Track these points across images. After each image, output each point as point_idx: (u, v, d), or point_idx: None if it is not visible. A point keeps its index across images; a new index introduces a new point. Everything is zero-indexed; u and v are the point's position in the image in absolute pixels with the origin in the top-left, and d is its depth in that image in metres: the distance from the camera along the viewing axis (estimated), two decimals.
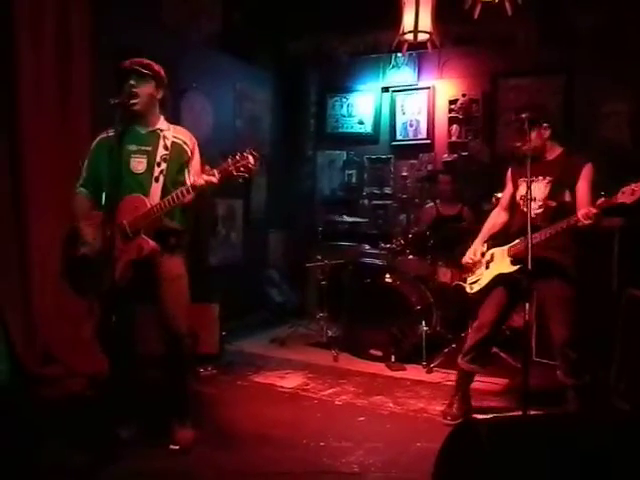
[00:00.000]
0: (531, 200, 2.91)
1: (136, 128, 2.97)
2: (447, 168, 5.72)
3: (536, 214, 3.17)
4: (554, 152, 3.29)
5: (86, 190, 3.01)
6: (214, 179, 2.79)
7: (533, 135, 3.14)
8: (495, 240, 3.50)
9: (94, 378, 3.55)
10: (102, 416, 2.66)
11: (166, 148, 2.95)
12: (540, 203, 3.22)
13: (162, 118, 3.05)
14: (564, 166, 3.21)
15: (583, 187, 3.15)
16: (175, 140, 2.99)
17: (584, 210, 2.93)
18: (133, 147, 2.92)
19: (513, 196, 3.45)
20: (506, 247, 3.32)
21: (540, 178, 3.24)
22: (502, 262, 3.32)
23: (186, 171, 2.98)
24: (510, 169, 3.54)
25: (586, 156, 3.26)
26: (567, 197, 3.17)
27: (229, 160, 2.79)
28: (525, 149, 3.19)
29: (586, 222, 2.90)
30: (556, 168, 3.22)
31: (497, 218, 3.58)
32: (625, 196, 2.76)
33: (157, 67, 2.95)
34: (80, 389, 3.59)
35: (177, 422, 3.05)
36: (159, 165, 2.92)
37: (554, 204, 3.18)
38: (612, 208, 2.86)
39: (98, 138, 3.02)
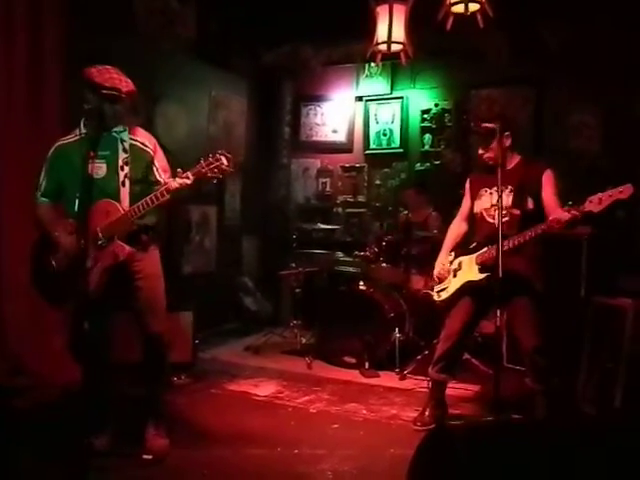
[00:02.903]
0: (501, 208, 2.91)
1: (101, 133, 2.93)
2: (419, 177, 5.80)
3: (502, 222, 3.23)
4: (513, 161, 3.34)
5: (47, 199, 2.98)
6: (188, 181, 2.82)
7: (494, 144, 3.20)
8: (459, 249, 3.52)
9: (67, 388, 3.50)
10: (75, 426, 2.63)
11: (125, 151, 2.94)
12: (504, 212, 3.22)
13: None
14: (524, 174, 3.25)
15: (549, 193, 3.19)
16: (133, 143, 2.98)
17: (555, 216, 2.94)
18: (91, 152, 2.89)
19: (472, 207, 3.47)
20: (474, 255, 3.33)
21: (503, 188, 3.25)
22: (470, 270, 3.33)
23: (154, 169, 2.99)
24: (469, 179, 3.57)
25: (544, 162, 3.31)
26: (530, 205, 3.21)
27: (202, 162, 2.81)
28: (486, 157, 3.26)
29: (557, 227, 2.93)
30: (516, 176, 3.24)
31: (458, 229, 3.61)
32: (593, 205, 2.81)
33: (125, 85, 2.87)
34: (52, 399, 3.53)
35: (151, 430, 3.03)
36: (122, 169, 2.91)
37: (518, 212, 3.22)
38: (580, 217, 2.91)
39: (55, 145, 3.00)
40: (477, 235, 3.43)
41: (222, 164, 2.80)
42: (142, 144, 3.01)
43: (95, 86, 2.81)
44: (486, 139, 3.26)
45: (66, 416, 3.10)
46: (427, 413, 3.52)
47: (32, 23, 3.81)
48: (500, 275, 2.61)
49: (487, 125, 3.21)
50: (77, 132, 2.98)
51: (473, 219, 3.49)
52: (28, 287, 3.08)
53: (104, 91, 2.82)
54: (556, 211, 3.01)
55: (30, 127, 3.84)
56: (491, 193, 3.33)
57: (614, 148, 4.92)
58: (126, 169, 2.91)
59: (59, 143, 2.98)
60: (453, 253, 3.53)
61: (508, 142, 3.28)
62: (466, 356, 4.26)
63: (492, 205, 3.31)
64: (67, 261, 2.83)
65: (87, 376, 2.92)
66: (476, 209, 3.42)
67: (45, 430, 3.12)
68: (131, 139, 2.98)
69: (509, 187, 3.26)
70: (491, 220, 3.30)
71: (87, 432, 2.86)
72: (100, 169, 2.89)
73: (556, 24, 4.86)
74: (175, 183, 2.82)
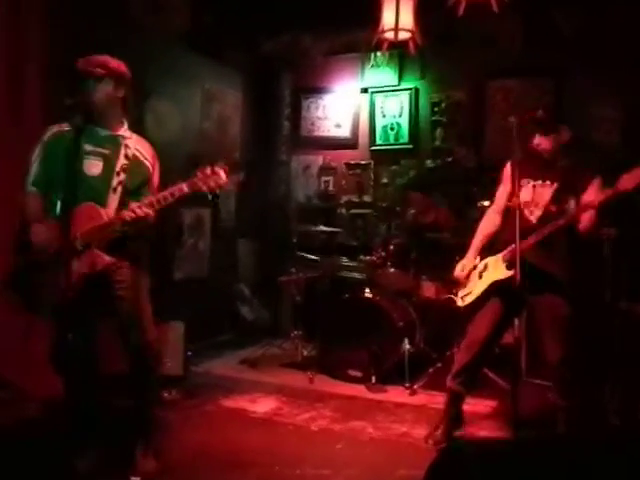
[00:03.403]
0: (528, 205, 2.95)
1: (95, 128, 2.94)
2: (426, 178, 5.80)
3: (537, 218, 3.25)
4: (563, 159, 3.35)
5: (37, 189, 2.95)
6: (151, 212, 2.84)
7: (553, 135, 3.24)
8: (488, 251, 3.49)
9: (49, 402, 3.50)
10: (57, 445, 2.63)
11: (127, 158, 2.96)
12: (543, 209, 3.27)
13: (125, 125, 3.05)
14: (572, 174, 3.26)
15: (590, 193, 3.19)
16: (137, 153, 3.01)
17: (588, 198, 2.99)
18: (89, 147, 2.89)
19: (510, 197, 3.35)
20: (500, 254, 3.32)
21: (548, 183, 3.30)
22: (497, 269, 3.31)
23: (146, 189, 3.01)
24: (509, 163, 3.42)
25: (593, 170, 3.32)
26: (571, 205, 3.21)
27: (198, 174, 2.82)
28: (542, 148, 3.27)
29: (586, 220, 2.97)
30: (562, 173, 3.27)
31: (491, 224, 3.54)
32: (626, 182, 2.85)
33: (115, 63, 2.95)
34: (32, 414, 3.53)
35: (139, 450, 3.03)
36: (118, 175, 2.92)
37: (554, 209, 3.23)
38: (614, 200, 2.92)
39: (51, 131, 2.97)
40: (508, 232, 3.27)
41: (220, 179, 2.81)
42: (144, 157, 3.04)
43: (79, 68, 2.83)
44: (545, 128, 3.25)
45: (47, 433, 3.11)
46: (440, 430, 3.50)
47: (14, 12, 3.82)
48: (519, 274, 2.61)
49: (544, 115, 3.22)
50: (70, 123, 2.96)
51: (508, 213, 3.40)
52: (3, 290, 3.07)
53: (90, 68, 2.84)
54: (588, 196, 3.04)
55: (11, 123, 3.85)
56: (534, 186, 3.31)
57: (635, 141, 4.92)
58: (122, 176, 2.93)
59: (55, 130, 2.95)
60: (478, 257, 3.49)
61: (567, 137, 3.29)
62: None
63: (532, 199, 3.29)
64: (44, 260, 2.82)
65: (70, 390, 2.93)
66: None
67: (24, 449, 3.09)
68: (136, 149, 3.01)
69: (554, 184, 3.27)
70: (530, 217, 3.28)
71: (70, 451, 2.86)
72: (96, 167, 2.91)
73: (572, 10, 4.88)
74: (140, 211, 2.83)
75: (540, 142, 3.30)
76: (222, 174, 2.80)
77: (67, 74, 2.98)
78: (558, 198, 3.23)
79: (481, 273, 3.42)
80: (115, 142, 2.97)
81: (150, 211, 2.84)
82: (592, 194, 3.16)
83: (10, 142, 3.81)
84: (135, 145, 3.02)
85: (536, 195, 3.29)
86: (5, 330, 3.75)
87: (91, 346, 3.03)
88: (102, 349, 3.13)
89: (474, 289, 3.43)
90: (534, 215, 3.27)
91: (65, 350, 2.80)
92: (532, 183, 3.33)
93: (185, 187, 2.83)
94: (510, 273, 3.15)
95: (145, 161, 3.04)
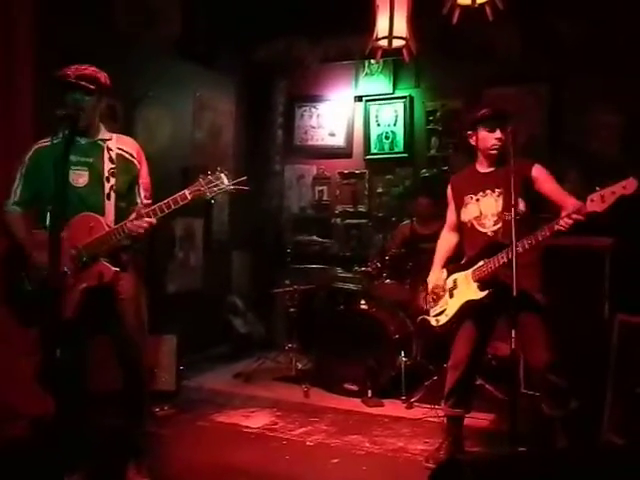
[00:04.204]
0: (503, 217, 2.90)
1: (75, 138, 2.95)
2: (426, 185, 5.81)
3: (493, 231, 3.22)
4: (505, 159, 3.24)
5: (20, 209, 2.97)
6: (152, 221, 2.84)
7: (508, 130, 3.08)
8: (451, 264, 3.49)
9: (37, 421, 3.49)
10: (47, 463, 2.62)
11: (112, 161, 2.97)
12: (495, 219, 3.23)
13: (103, 127, 3.07)
14: (510, 175, 3.19)
15: (549, 185, 3.17)
16: (120, 152, 3.02)
17: (574, 206, 2.88)
18: (73, 158, 2.88)
19: (458, 216, 3.44)
20: (469, 271, 3.28)
21: (489, 192, 3.28)
22: (468, 288, 3.28)
23: (136, 188, 3.03)
24: (450, 185, 3.55)
25: (527, 159, 3.26)
26: (522, 207, 3.14)
27: (200, 180, 2.83)
28: (500, 145, 3.22)
29: (567, 225, 2.89)
30: (503, 177, 3.12)
31: (449, 241, 3.58)
32: (595, 204, 2.78)
33: (103, 78, 2.96)
34: (22, 433, 3.52)
35: (132, 469, 3.02)
36: (108, 180, 2.94)
37: (509, 217, 3.06)
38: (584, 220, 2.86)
39: (34, 147, 3.00)
40: (468, 248, 3.39)
41: (222, 183, 2.82)
42: (129, 154, 3.05)
43: (70, 81, 2.84)
44: (500, 123, 3.22)
45: (37, 452, 3.09)
46: (443, 451, 3.46)
47: (2, 19, 3.84)
48: (515, 293, 2.61)
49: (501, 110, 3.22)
50: (56, 136, 2.98)
51: (462, 230, 3.46)
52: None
53: (81, 82, 2.85)
54: (569, 201, 2.98)
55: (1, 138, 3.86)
56: (477, 199, 3.32)
57: (634, 150, 4.95)
58: (112, 181, 2.94)
59: (38, 146, 2.99)
60: (445, 270, 3.49)
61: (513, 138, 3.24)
62: (479, 381, 4.25)
63: (481, 213, 3.30)
64: (40, 278, 2.83)
65: (60, 408, 2.92)
66: (464, 218, 3.39)
67: (12, 469, 3.09)
68: (118, 148, 3.02)
69: (497, 190, 3.26)
70: (483, 230, 3.28)
71: (60, 471, 2.85)
72: (81, 177, 2.92)
73: (571, 16, 4.92)
74: (144, 223, 2.84)
75: (501, 137, 3.23)
76: (224, 179, 2.82)
77: (56, 84, 2.99)
78: (508, 204, 3.09)
79: (451, 291, 3.39)
80: (97, 148, 2.98)
81: (153, 220, 2.85)
82: (554, 188, 3.14)
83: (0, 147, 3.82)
84: (116, 145, 3.02)
85: (483, 207, 3.29)
86: None
87: (80, 363, 3.02)
88: (93, 365, 3.13)
89: (447, 308, 3.40)
90: (487, 228, 3.25)
91: (54, 367, 2.79)
92: (475, 197, 3.34)
93: (188, 194, 2.83)
94: (484, 294, 3.19)
95: (131, 158, 3.05)
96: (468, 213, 3.36)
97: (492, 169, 3.32)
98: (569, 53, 5.09)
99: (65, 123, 2.80)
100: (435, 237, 5.16)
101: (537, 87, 5.52)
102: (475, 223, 3.33)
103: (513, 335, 2.63)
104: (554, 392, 3.19)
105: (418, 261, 4.94)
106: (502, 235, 3.15)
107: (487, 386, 4.41)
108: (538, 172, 3.21)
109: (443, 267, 3.53)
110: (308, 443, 3.80)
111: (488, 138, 3.28)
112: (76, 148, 2.92)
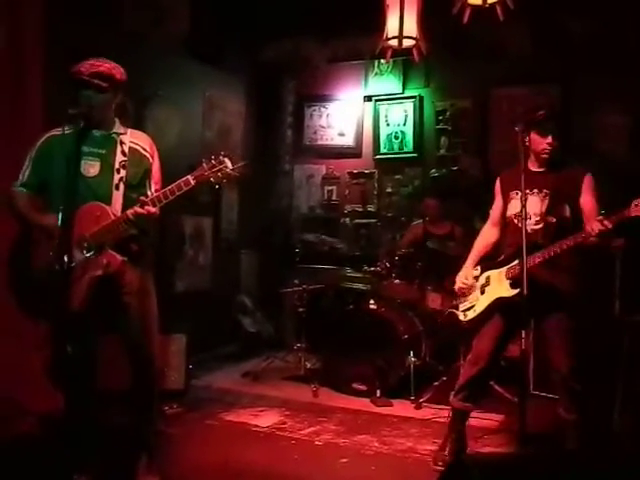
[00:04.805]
0: (525, 217, 2.90)
1: (90, 130, 2.96)
2: (435, 184, 5.80)
3: (534, 230, 3.20)
4: (555, 163, 3.31)
5: (26, 190, 2.96)
6: (153, 210, 2.83)
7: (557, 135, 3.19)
8: (488, 261, 3.50)
9: (46, 417, 3.50)
10: (56, 461, 2.63)
11: (124, 154, 2.98)
12: (537, 219, 3.23)
13: (117, 121, 3.07)
14: (562, 178, 3.24)
15: (588, 200, 3.18)
16: (133, 146, 3.03)
17: (595, 224, 2.90)
18: (85, 149, 2.89)
19: (504, 211, 3.44)
20: (504, 269, 3.29)
21: (535, 191, 3.27)
22: (500, 285, 3.29)
23: (147, 183, 3.03)
24: (499, 179, 3.54)
25: (583, 167, 3.30)
26: (567, 212, 3.19)
27: (204, 165, 2.82)
28: (553, 150, 3.23)
29: (595, 237, 2.90)
30: (553, 180, 3.23)
31: (489, 237, 3.57)
32: (639, 209, 2.79)
33: (118, 74, 2.96)
34: (30, 431, 3.53)
35: (142, 467, 3.02)
36: (118, 172, 2.95)
37: (554, 220, 3.20)
38: (623, 223, 2.87)
39: (47, 135, 2.99)
40: (508, 245, 3.38)
41: (226, 167, 2.81)
42: (142, 148, 3.06)
43: (84, 79, 2.85)
44: (553, 128, 3.24)
45: (45, 450, 3.11)
46: (448, 450, 3.45)
47: (11, 18, 3.86)
48: (525, 292, 2.60)
49: (543, 114, 3.19)
50: (68, 127, 2.98)
51: (506, 226, 3.43)
52: (2, 296, 3.06)
53: (96, 81, 2.85)
54: (594, 220, 2.98)
55: (9, 124, 3.87)
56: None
57: None
58: (122, 172, 2.95)
59: (51, 134, 2.97)
60: (479, 267, 3.50)
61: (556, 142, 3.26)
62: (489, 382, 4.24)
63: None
64: (49, 266, 2.82)
65: (69, 404, 2.92)
66: (508, 213, 3.38)
67: (21, 467, 3.10)
68: (131, 142, 3.03)
69: (544, 191, 3.25)
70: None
71: (69, 469, 2.86)
72: (92, 167, 2.92)
73: (582, 16, 4.90)
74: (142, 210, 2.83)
75: (552, 141, 3.24)
76: (228, 162, 2.81)
77: (67, 81, 2.99)
78: (553, 207, 3.20)
79: (483, 287, 3.41)
80: (110, 141, 2.99)
81: (153, 209, 2.83)
82: (589, 202, 3.15)
83: (9, 142, 3.82)
84: (130, 139, 3.03)
85: (527, 204, 3.29)
86: (3, 339, 3.76)
87: (91, 358, 3.03)
88: (103, 363, 3.13)
89: (476, 304, 3.42)
90: (528, 225, 3.25)
91: (64, 362, 2.80)
92: (520, 193, 3.32)
93: (191, 179, 2.82)
94: (515, 292, 3.16)
95: (144, 152, 3.05)
96: (512, 208, 3.35)
97: (543, 169, 3.31)
98: (579, 53, 5.07)
99: (76, 119, 2.81)
100: (448, 237, 5.20)
101: (547, 87, 5.49)
102: (516, 220, 3.30)
103: (523, 335, 2.62)
104: (573, 396, 3.18)
105: (427, 261, 4.93)
106: (542, 236, 3.15)
107: (496, 387, 4.40)
108: (587, 182, 3.21)
109: (476, 265, 3.51)
110: (317, 443, 3.79)
111: (540, 142, 3.27)
112: (89, 139, 2.93)
